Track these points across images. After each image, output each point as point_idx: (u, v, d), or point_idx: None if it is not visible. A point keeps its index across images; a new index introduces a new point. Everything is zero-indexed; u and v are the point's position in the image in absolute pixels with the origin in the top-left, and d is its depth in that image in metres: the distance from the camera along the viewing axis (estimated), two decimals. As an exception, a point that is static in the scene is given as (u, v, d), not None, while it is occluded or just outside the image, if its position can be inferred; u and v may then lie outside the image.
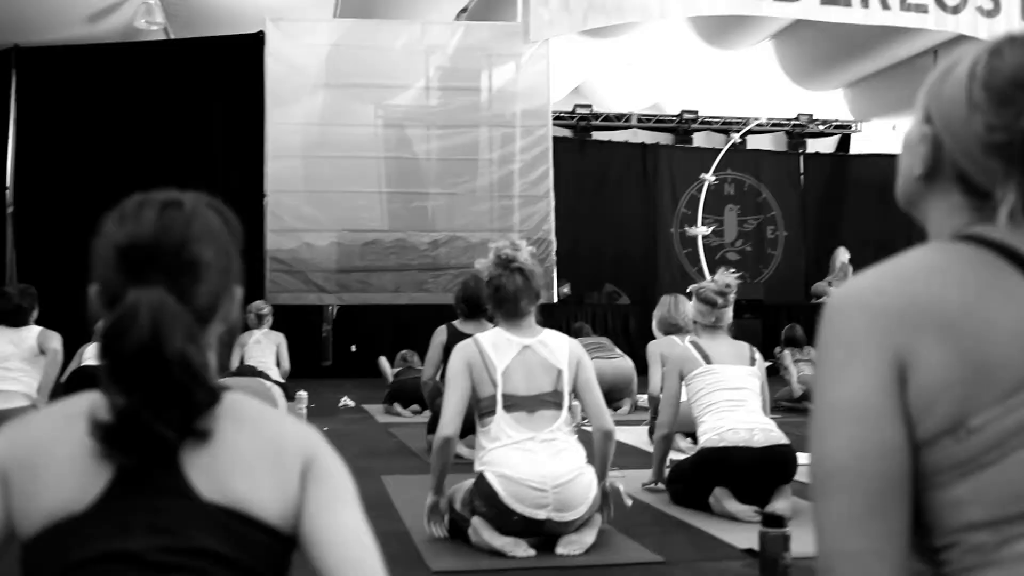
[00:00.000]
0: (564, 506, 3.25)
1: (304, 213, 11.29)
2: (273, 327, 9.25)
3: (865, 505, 0.96)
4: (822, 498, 0.99)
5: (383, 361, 8.64)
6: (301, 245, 11.25)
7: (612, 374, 7.52)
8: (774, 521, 2.73)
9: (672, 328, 6.17)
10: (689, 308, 6.22)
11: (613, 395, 7.65)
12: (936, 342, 0.96)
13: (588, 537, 3.35)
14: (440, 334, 5.59)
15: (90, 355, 7.47)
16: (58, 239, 10.90)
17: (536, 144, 11.84)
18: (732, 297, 4.53)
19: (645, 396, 6.75)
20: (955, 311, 0.97)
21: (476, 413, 3.48)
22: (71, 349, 7.45)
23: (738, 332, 11.76)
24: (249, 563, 1.21)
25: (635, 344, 11.03)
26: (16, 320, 5.35)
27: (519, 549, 3.25)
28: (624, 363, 7.77)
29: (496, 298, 3.54)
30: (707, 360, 4.27)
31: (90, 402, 1.22)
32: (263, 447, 1.23)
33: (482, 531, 3.31)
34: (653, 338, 6.64)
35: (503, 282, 3.50)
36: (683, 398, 4.35)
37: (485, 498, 3.29)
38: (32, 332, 5.34)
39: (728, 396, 4.18)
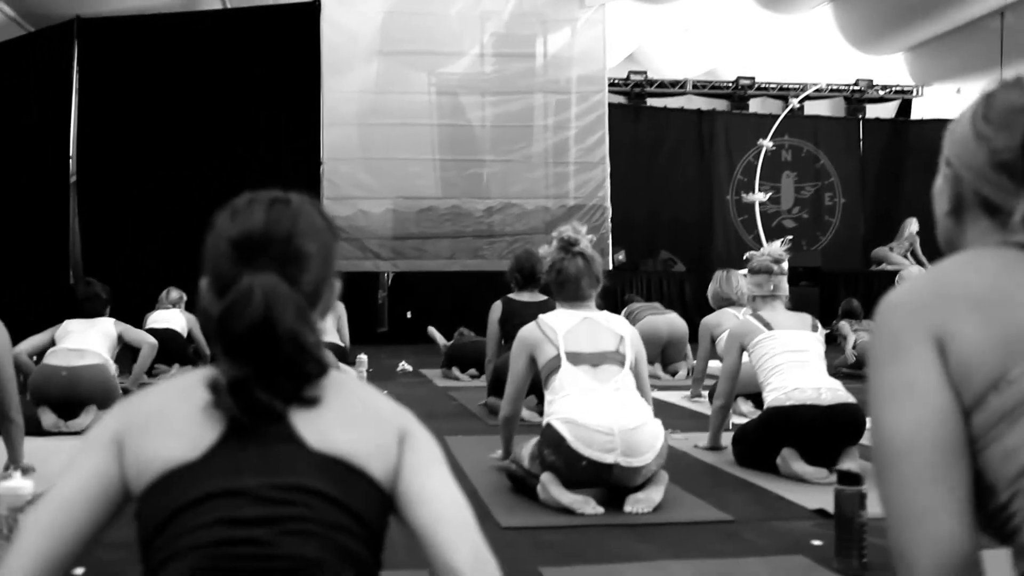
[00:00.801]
0: (632, 451, 3.26)
1: (360, 180, 11.36)
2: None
3: (927, 467, 1.08)
4: (887, 467, 1.11)
5: (432, 330, 8.66)
6: (357, 212, 11.34)
7: (667, 329, 7.67)
8: (850, 479, 2.72)
9: (725, 302, 6.23)
10: (742, 282, 6.24)
11: (669, 353, 7.69)
12: (967, 316, 1.10)
13: (656, 495, 3.35)
14: (495, 310, 5.69)
15: (153, 320, 7.63)
16: (121, 207, 11.10)
17: (591, 110, 11.79)
18: (786, 265, 4.51)
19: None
20: (981, 290, 1.12)
21: (542, 378, 3.53)
22: (135, 315, 7.63)
23: (795, 300, 11.65)
24: (354, 506, 1.28)
25: (690, 311, 10.96)
26: (93, 310, 5.57)
27: (587, 506, 3.27)
28: (677, 319, 7.85)
29: (558, 280, 3.64)
30: (768, 327, 4.25)
31: (203, 375, 1.31)
32: (365, 413, 1.34)
33: (550, 487, 3.33)
34: (708, 305, 6.70)
35: (565, 265, 3.62)
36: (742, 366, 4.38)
37: (553, 446, 3.30)
38: (108, 322, 5.53)
39: (792, 358, 4.15)
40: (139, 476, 1.30)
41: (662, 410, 5.96)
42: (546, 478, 3.37)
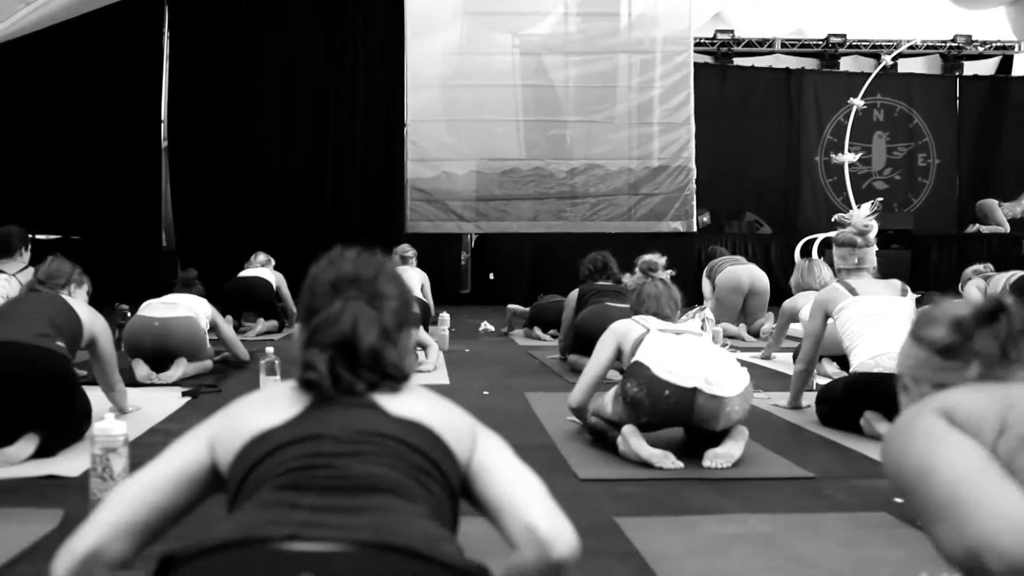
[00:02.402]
0: (715, 380, 3.27)
1: (444, 142, 11.41)
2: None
3: (987, 468, 1.31)
4: (952, 486, 1.31)
5: (512, 307, 8.48)
6: (440, 174, 11.40)
7: (748, 279, 7.72)
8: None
9: (807, 290, 6.14)
10: (825, 271, 6.16)
11: (750, 306, 7.64)
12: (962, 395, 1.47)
13: (735, 450, 3.33)
14: (571, 299, 6.03)
15: (245, 274, 7.83)
16: (210, 172, 11.34)
17: (676, 70, 11.62)
18: (873, 237, 4.47)
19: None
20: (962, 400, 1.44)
21: (626, 361, 3.53)
22: (225, 278, 7.85)
23: (885, 263, 11.41)
24: (430, 454, 1.44)
25: (776, 274, 10.81)
26: (189, 290, 5.84)
27: (667, 461, 3.26)
28: (758, 271, 7.93)
29: (639, 300, 3.82)
30: (853, 293, 4.17)
31: (288, 385, 1.54)
32: (442, 403, 1.55)
33: (631, 439, 3.34)
34: (793, 267, 6.69)
35: (645, 287, 3.84)
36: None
37: (637, 376, 3.33)
38: (205, 303, 5.72)
39: (879, 321, 4.04)
40: (229, 449, 1.46)
41: (750, 370, 5.92)
42: (627, 430, 3.38)
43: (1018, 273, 6.20)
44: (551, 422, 4.07)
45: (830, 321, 4.27)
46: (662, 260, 4.69)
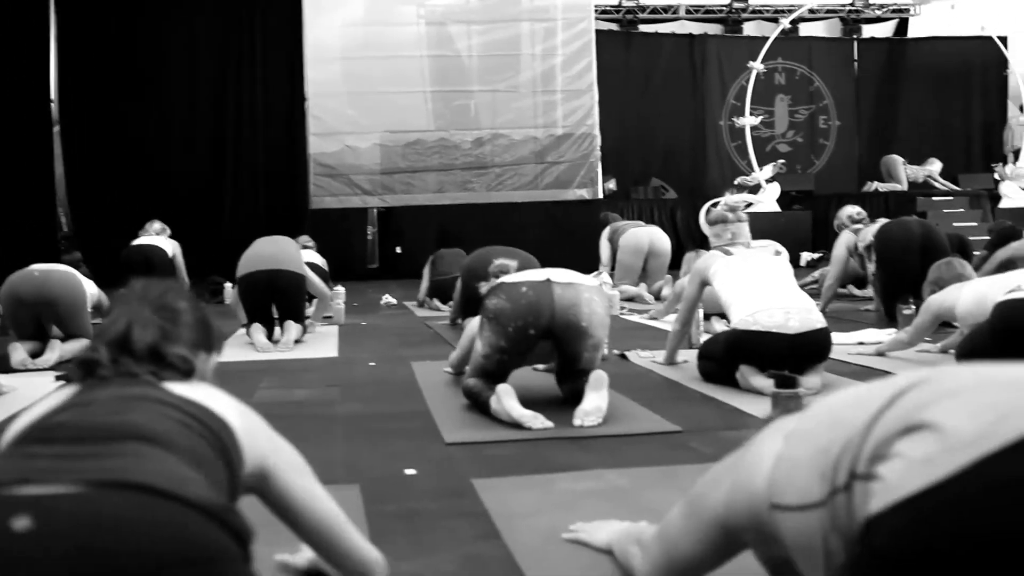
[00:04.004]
0: (563, 274, 3.49)
1: (346, 116, 11.23)
2: (319, 230, 9.52)
3: None
4: None
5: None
6: (343, 148, 11.23)
7: (648, 240, 7.82)
8: (786, 382, 2.66)
9: None
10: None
11: (651, 267, 7.72)
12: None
13: (601, 401, 3.34)
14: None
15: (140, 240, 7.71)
16: (107, 154, 10.99)
17: (577, 37, 11.59)
18: (744, 214, 4.55)
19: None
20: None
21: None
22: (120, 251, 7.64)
23: (788, 223, 11.59)
24: (206, 420, 1.41)
25: (682, 238, 10.90)
26: None
27: (536, 421, 3.23)
28: (659, 232, 8.10)
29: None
30: (728, 255, 4.23)
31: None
32: (244, 408, 1.55)
33: (504, 398, 3.32)
34: (699, 232, 6.77)
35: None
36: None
37: (495, 293, 3.47)
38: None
39: (757, 277, 4.08)
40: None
41: (639, 331, 5.94)
42: (501, 389, 3.37)
43: (882, 221, 6.30)
44: (430, 389, 4.03)
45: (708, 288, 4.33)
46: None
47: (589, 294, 3.45)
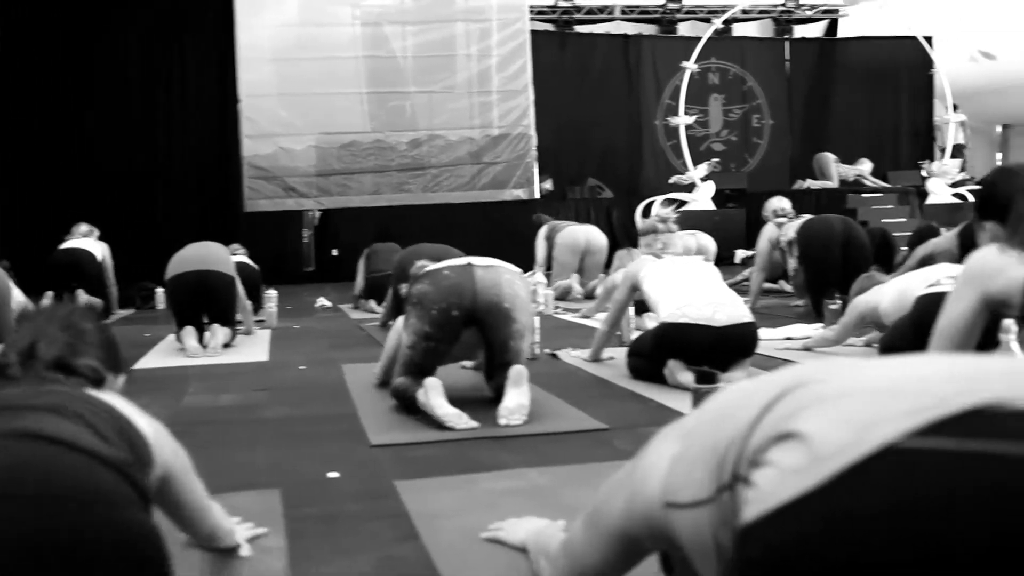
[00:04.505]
0: (485, 260, 3.58)
1: (280, 117, 11.12)
2: (254, 234, 9.46)
3: None
4: None
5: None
6: (278, 150, 11.12)
7: (585, 237, 7.92)
8: (707, 378, 2.69)
9: None
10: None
11: (587, 264, 7.78)
12: None
13: (523, 398, 3.35)
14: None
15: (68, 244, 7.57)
16: (34, 159, 10.75)
17: (512, 38, 11.61)
18: (674, 225, 4.74)
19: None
20: None
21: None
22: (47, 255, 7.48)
23: (723, 221, 11.70)
24: (116, 416, 1.45)
25: (618, 237, 10.94)
26: None
27: (460, 421, 3.23)
28: (596, 230, 8.20)
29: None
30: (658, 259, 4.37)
31: None
32: (149, 419, 1.58)
33: (431, 393, 3.33)
34: (635, 230, 6.86)
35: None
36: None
37: (417, 276, 3.54)
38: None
39: (685, 277, 4.17)
40: None
41: (571, 329, 5.97)
42: (429, 383, 3.37)
43: (805, 217, 6.41)
44: (359, 391, 4.01)
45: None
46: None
47: (510, 276, 3.54)
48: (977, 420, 0.94)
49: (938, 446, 0.93)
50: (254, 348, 5.51)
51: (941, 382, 0.99)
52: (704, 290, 4.07)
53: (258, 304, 6.75)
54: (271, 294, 6.69)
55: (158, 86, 11.27)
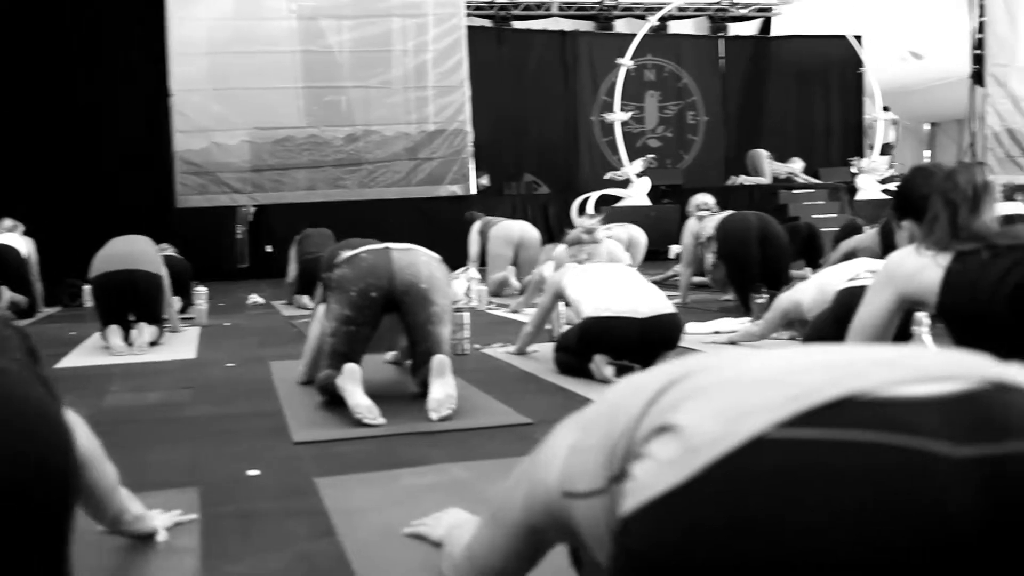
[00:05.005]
0: (402, 244, 3.63)
1: (213, 112, 10.97)
2: (187, 230, 9.35)
3: None
4: None
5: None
6: (211, 145, 10.97)
7: (519, 232, 8.01)
8: (627, 373, 2.71)
9: None
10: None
11: (522, 258, 7.81)
12: None
13: (449, 388, 3.36)
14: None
15: None
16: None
17: (449, 33, 11.58)
18: (600, 235, 4.81)
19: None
20: None
21: None
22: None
23: (658, 216, 11.78)
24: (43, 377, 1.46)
25: (555, 233, 10.98)
26: None
27: (370, 415, 3.21)
28: (529, 225, 8.30)
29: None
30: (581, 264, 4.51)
31: None
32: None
33: (348, 381, 3.33)
34: (571, 226, 6.89)
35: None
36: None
37: (338, 265, 3.56)
38: None
39: (608, 278, 4.26)
40: None
41: (503, 325, 5.98)
42: (348, 369, 3.37)
43: (726, 213, 6.50)
44: (287, 389, 3.96)
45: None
46: None
47: (427, 258, 3.60)
48: (843, 410, 0.96)
49: (804, 436, 0.94)
50: (182, 346, 5.42)
51: (813, 373, 1.01)
52: (626, 287, 4.14)
53: (188, 300, 6.66)
54: (201, 291, 6.60)
55: (87, 79, 11.03)
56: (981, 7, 13.08)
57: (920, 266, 2.33)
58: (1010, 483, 0.93)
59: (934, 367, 1.04)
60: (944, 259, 2.29)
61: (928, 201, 2.39)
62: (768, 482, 0.94)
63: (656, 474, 1.00)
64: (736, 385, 1.04)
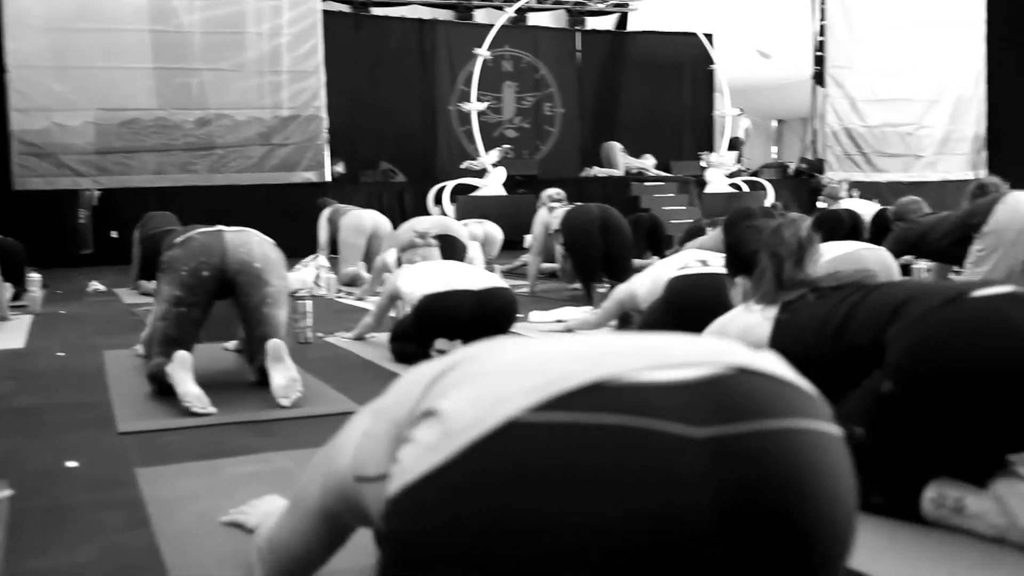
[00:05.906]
0: (238, 228, 3.65)
1: (53, 91, 10.51)
2: (26, 214, 8.99)
3: None
4: None
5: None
6: (51, 126, 10.52)
7: (371, 221, 7.91)
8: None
9: None
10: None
11: (373, 247, 7.79)
12: None
13: (289, 371, 3.37)
14: None
15: None
16: None
17: (304, 17, 11.42)
18: (433, 239, 4.87)
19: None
20: None
21: None
22: None
23: (513, 206, 11.90)
24: None
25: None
26: None
27: (198, 403, 3.18)
28: (381, 215, 8.23)
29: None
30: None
31: None
32: None
33: (176, 369, 3.30)
34: (426, 215, 6.92)
35: None
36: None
37: (173, 247, 3.56)
38: None
39: (440, 267, 4.42)
40: None
41: (349, 313, 5.96)
42: (179, 357, 3.33)
43: (572, 205, 6.67)
44: (118, 379, 3.87)
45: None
46: None
47: (260, 239, 3.64)
48: (592, 395, 1.02)
49: (554, 419, 1.01)
50: (9, 335, 5.20)
51: (567, 360, 1.08)
52: (459, 270, 4.36)
53: (21, 287, 6.39)
54: (35, 277, 6.34)
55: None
56: (822, 11, 13.70)
57: (749, 325, 2.32)
58: (741, 459, 1.02)
59: (682, 354, 1.12)
60: (772, 312, 2.30)
61: (755, 257, 2.42)
62: (519, 463, 1.00)
63: (417, 457, 1.05)
64: (496, 373, 1.10)
